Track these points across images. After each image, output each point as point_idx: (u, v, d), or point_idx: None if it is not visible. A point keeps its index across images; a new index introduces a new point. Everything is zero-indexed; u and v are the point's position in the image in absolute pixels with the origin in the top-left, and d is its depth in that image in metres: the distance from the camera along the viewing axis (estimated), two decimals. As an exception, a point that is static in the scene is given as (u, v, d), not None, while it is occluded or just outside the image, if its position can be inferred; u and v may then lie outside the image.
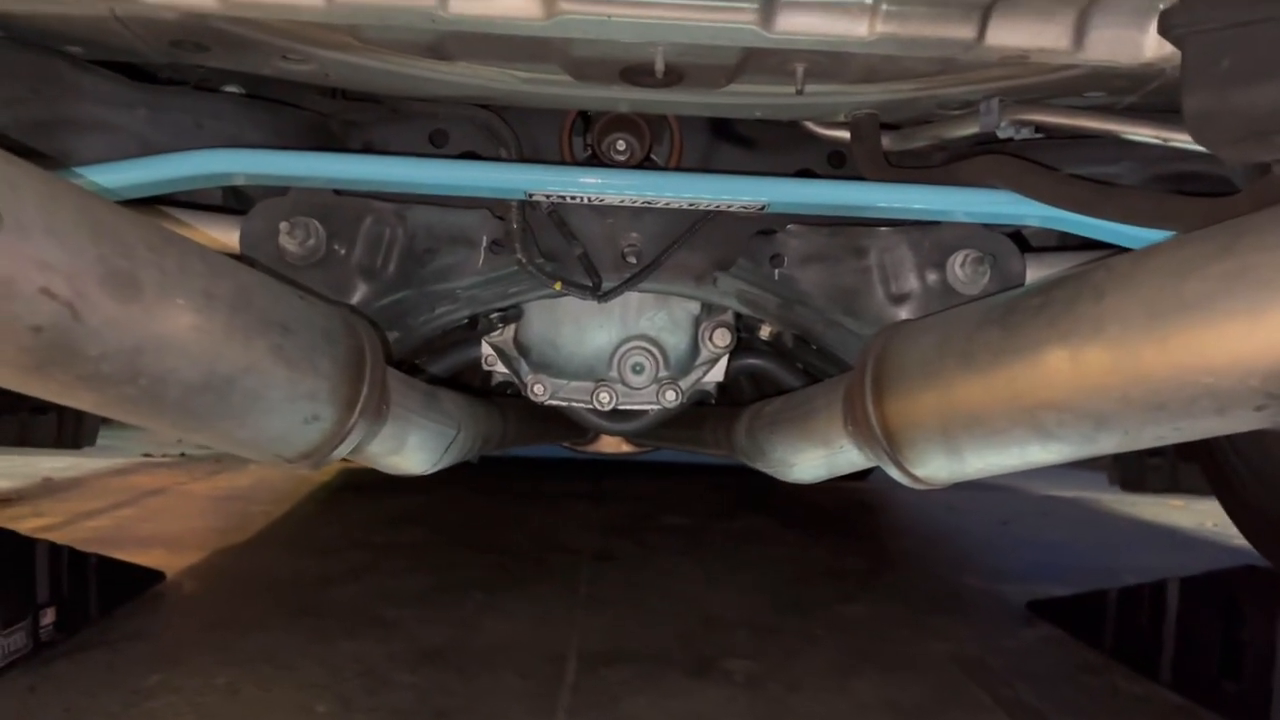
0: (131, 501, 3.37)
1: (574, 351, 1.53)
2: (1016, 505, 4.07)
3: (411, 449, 1.21)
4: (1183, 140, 1.11)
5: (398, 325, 1.34)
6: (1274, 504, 1.90)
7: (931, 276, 1.33)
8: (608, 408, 1.57)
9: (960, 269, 1.31)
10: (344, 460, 1.14)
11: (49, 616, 1.89)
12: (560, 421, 1.95)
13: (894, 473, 1.10)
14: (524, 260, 1.34)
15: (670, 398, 1.56)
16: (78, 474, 3.82)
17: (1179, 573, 1.99)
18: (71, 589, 1.95)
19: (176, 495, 3.53)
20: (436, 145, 1.40)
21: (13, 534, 1.85)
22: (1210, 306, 0.77)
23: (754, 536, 3.22)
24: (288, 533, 3.08)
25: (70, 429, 2.00)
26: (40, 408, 1.90)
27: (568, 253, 1.37)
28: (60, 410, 2.04)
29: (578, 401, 1.58)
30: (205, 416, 0.91)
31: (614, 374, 1.53)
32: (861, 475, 4.37)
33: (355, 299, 1.29)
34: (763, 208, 1.24)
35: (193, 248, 0.91)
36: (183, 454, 4.54)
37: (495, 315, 1.46)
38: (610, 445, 3.03)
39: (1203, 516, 3.80)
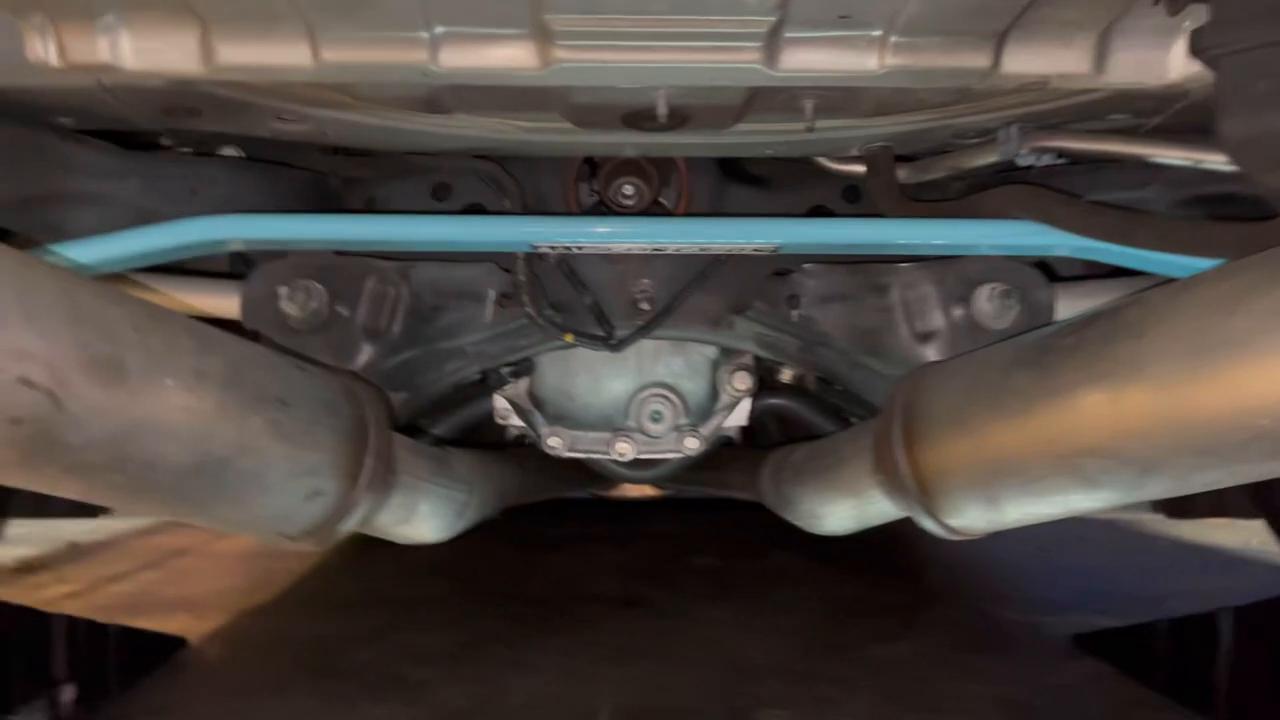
0: (156, 563, 3.34)
1: (590, 402, 1.48)
2: (1053, 531, 3.97)
3: (423, 517, 1.17)
4: (1215, 161, 1.06)
5: (406, 386, 1.31)
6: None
7: (957, 312, 1.28)
8: (627, 459, 1.52)
9: (986, 303, 1.26)
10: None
11: (68, 693, 1.85)
12: (580, 471, 1.91)
13: (927, 524, 1.05)
14: (533, 313, 1.31)
15: (691, 445, 1.51)
16: (105, 536, 3.79)
17: (1230, 599, 1.91)
18: (91, 663, 1.91)
19: (200, 555, 3.50)
20: (439, 199, 1.37)
21: (29, 610, 1.82)
22: (1261, 343, 0.71)
23: (785, 575, 3.14)
24: (309, 591, 3.04)
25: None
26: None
27: (578, 302, 1.33)
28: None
29: (596, 453, 1.53)
30: (200, 500, 0.87)
31: (632, 423, 1.48)
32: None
33: (361, 362, 1.26)
34: (776, 250, 1.20)
35: (181, 323, 0.87)
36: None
37: (507, 369, 1.42)
38: (633, 487, 2.98)
39: (1247, 534, 3.68)
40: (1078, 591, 2.95)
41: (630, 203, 1.30)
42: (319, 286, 1.25)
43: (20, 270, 0.77)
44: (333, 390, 0.98)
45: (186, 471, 0.84)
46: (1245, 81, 0.81)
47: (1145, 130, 1.13)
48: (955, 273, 1.29)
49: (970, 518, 1.00)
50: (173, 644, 2.30)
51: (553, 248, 1.19)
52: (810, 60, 0.95)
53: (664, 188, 1.36)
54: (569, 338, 1.33)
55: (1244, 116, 0.82)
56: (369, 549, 3.63)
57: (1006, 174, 1.29)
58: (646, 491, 3.13)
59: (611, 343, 1.35)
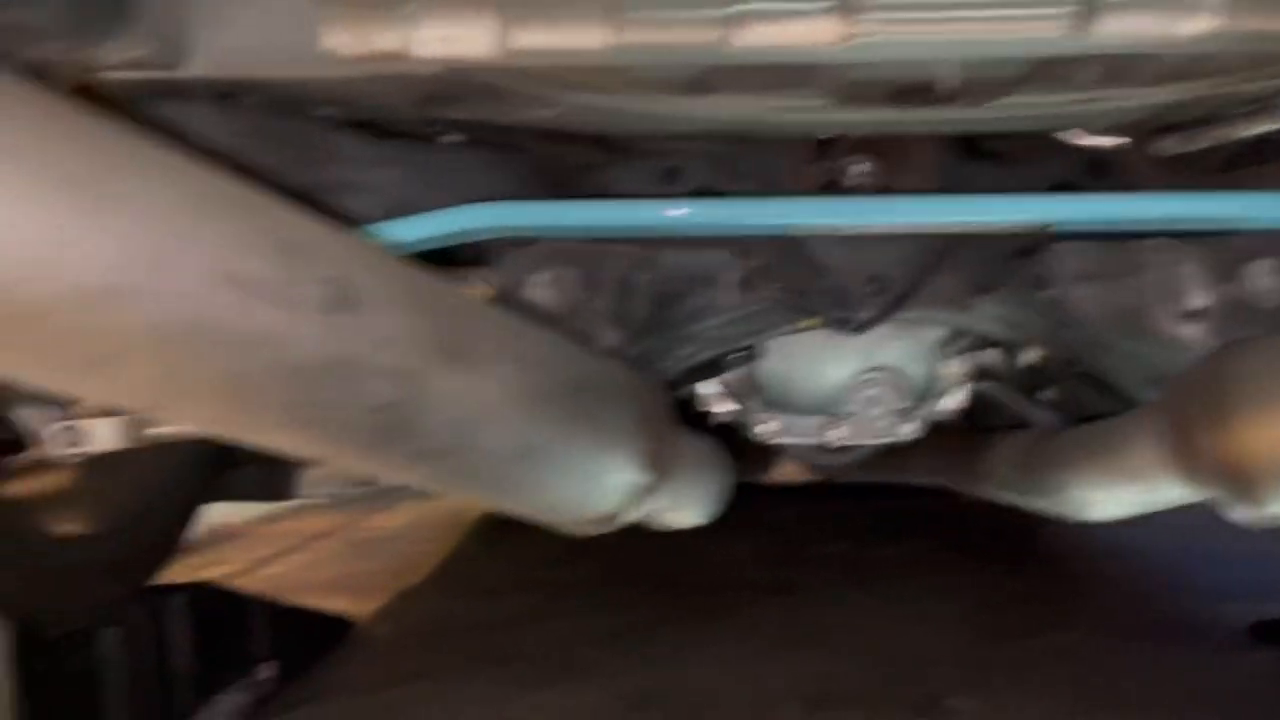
0: (300, 547, 3.42)
1: (809, 387, 1.46)
2: (1199, 517, 3.84)
3: (693, 503, 1.16)
4: None
5: (646, 373, 1.29)
6: None
7: (1224, 290, 1.23)
8: (837, 444, 1.50)
9: (1259, 280, 1.21)
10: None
11: (267, 671, 1.89)
12: (760, 457, 1.88)
13: (1238, 512, 1.00)
14: (776, 296, 1.28)
15: (906, 430, 1.48)
16: (236, 520, 3.89)
17: None
18: (283, 642, 1.96)
19: (340, 539, 3.57)
20: (669, 183, 1.36)
21: (231, 591, 1.87)
22: None
23: (924, 563, 3.09)
24: (457, 575, 3.08)
25: (276, 479, 2.03)
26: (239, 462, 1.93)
27: (816, 285, 1.30)
28: (262, 462, 2.06)
29: (806, 438, 1.51)
30: (514, 485, 0.87)
31: (850, 408, 1.45)
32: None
33: (605, 349, 1.25)
34: (1044, 228, 1.16)
35: (495, 311, 0.87)
36: (332, 495, 4.61)
37: (736, 355, 1.40)
38: (777, 474, 2.94)
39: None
40: (1241, 580, 2.84)
41: (865, 182, 1.28)
42: (570, 273, 1.24)
43: (371, 257, 0.77)
44: (627, 378, 0.98)
45: (509, 457, 0.84)
46: None
47: None
48: (1221, 248, 1.23)
49: (1289, 505, 0.96)
50: (343, 625, 2.35)
51: (797, 228, 1.17)
52: (1125, 27, 0.90)
53: (898, 166, 1.32)
54: (813, 321, 1.30)
55: None
56: (504, 532, 3.67)
57: (1263, 144, 1.23)
58: (789, 477, 3.09)
59: (854, 326, 1.32)
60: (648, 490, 0.98)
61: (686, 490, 1.14)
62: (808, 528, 3.53)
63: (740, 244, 1.28)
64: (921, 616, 2.45)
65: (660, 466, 0.99)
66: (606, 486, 0.93)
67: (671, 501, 1.11)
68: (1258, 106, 1.14)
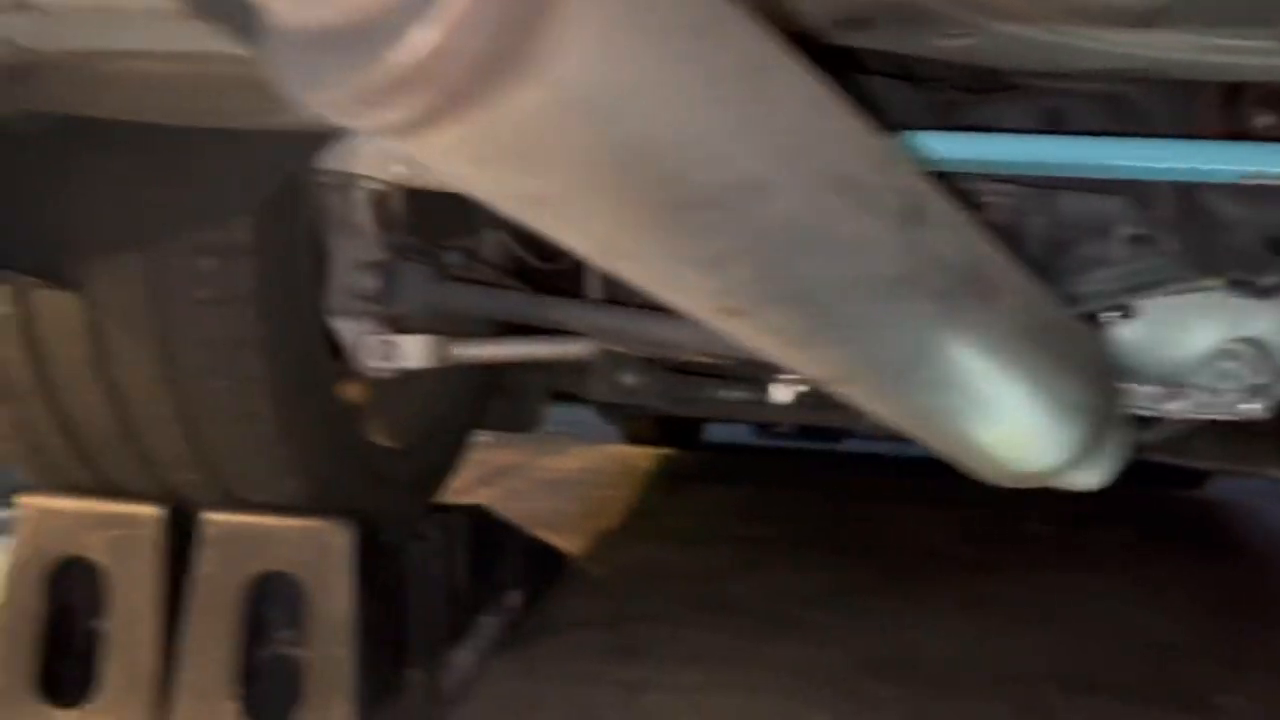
0: (489, 481, 3.46)
1: (1169, 354, 1.36)
2: None
3: (1105, 459, 1.10)
4: None
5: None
6: None
7: None
8: (1178, 415, 1.40)
9: None
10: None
11: (516, 598, 1.91)
12: None
13: None
14: (1177, 252, 1.20)
15: (1254, 408, 1.38)
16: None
17: None
18: (528, 571, 1.98)
19: (522, 476, 3.62)
20: (1051, 123, 1.28)
21: (497, 517, 1.88)
22: None
23: (1129, 550, 2.97)
24: (647, 520, 3.08)
25: (523, 411, 2.06)
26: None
27: (1220, 242, 1.22)
28: (512, 393, 2.08)
29: (1160, 409, 1.41)
30: (984, 419, 0.83)
31: (1201, 379, 1.36)
32: (1191, 483, 3.96)
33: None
34: None
35: (995, 243, 0.81)
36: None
37: (1114, 313, 1.32)
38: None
39: None
40: None
41: (1272, 135, 1.18)
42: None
43: (919, 173, 0.72)
44: (1082, 323, 0.92)
45: (993, 394, 0.79)
46: None
47: None
48: None
49: None
50: (562, 559, 2.36)
51: (1215, 177, 1.08)
52: None
53: None
54: (1216, 281, 1.22)
55: None
56: (684, 483, 3.66)
57: None
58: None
59: (1256, 290, 1.23)
60: (1102, 440, 0.92)
61: (1112, 449, 1.08)
62: (1010, 507, 3.42)
63: (1139, 192, 1.19)
64: (1163, 607, 2.35)
65: (1107, 426, 0.93)
66: (1058, 440, 0.88)
67: (1097, 460, 1.05)
68: None
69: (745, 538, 2.84)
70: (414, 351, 1.48)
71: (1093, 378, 0.92)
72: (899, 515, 3.23)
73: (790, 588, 2.37)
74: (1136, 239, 1.22)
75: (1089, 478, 1.14)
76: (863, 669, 1.89)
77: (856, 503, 3.37)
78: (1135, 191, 1.21)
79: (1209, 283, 1.22)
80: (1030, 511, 3.39)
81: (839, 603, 2.27)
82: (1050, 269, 1.21)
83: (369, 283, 1.44)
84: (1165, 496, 3.72)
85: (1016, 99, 1.25)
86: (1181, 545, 2.98)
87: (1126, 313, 1.30)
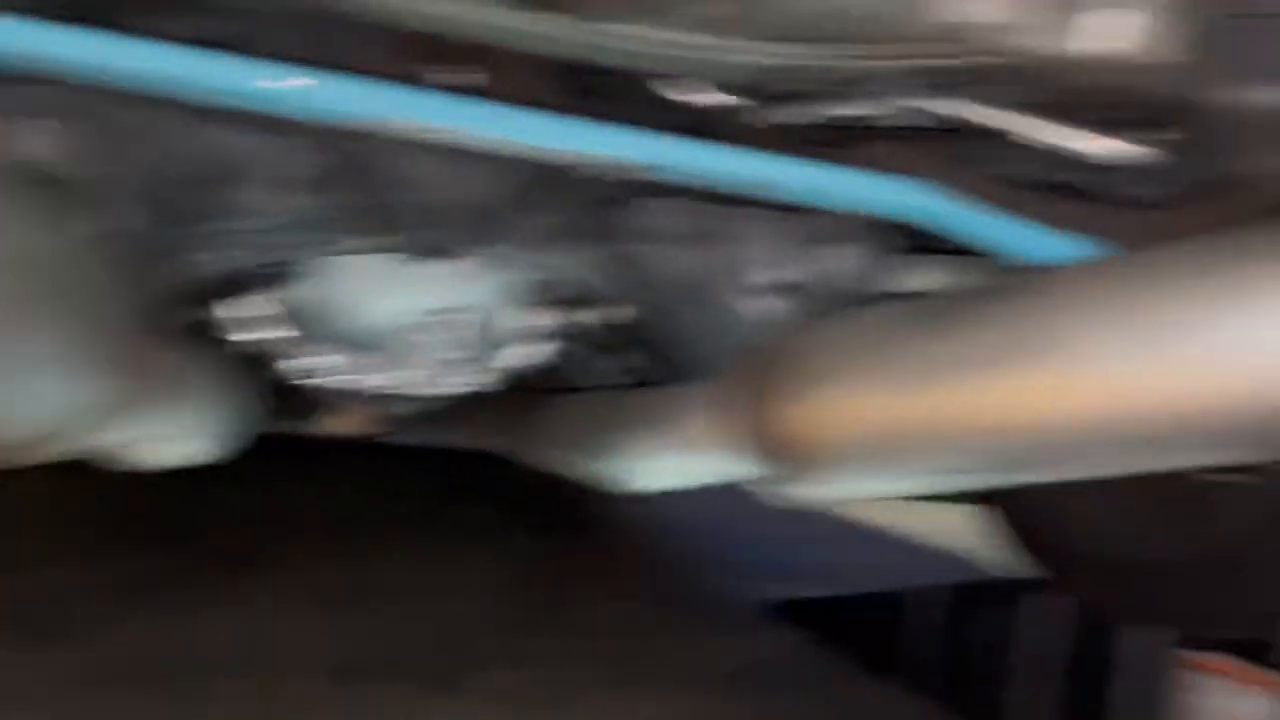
0: None
1: (355, 322, 1.24)
2: (722, 495, 4.03)
3: (186, 433, 0.91)
4: (1083, 147, 1.04)
5: (161, 271, 1.00)
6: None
7: (804, 268, 1.19)
8: (391, 390, 1.30)
9: (838, 262, 1.18)
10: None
11: None
12: (304, 403, 1.63)
13: (781, 489, 0.96)
14: (349, 205, 1.05)
15: (465, 382, 1.32)
16: None
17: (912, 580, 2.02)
18: None
19: None
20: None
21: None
22: (1207, 327, 0.68)
23: (480, 531, 3.00)
24: None
25: None
26: None
27: (397, 198, 1.09)
28: None
29: (351, 381, 1.30)
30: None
31: (398, 350, 1.26)
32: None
33: (120, 228, 0.94)
34: (644, 169, 1.04)
35: None
36: None
37: (274, 270, 1.14)
38: (346, 426, 2.66)
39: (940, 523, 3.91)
40: (759, 560, 2.99)
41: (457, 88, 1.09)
42: (84, 128, 0.91)
43: None
44: (105, 269, 0.72)
45: None
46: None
47: (1031, 105, 1.08)
48: (806, 226, 1.19)
49: (832, 486, 0.92)
50: None
51: (396, 132, 0.94)
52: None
53: (497, 82, 1.14)
54: (391, 240, 1.08)
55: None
56: None
57: (859, 128, 1.20)
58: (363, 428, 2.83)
59: (429, 252, 1.13)
60: (105, 411, 0.73)
61: (173, 418, 0.90)
62: (362, 489, 3.28)
63: (315, 133, 1.03)
64: (465, 584, 2.35)
65: (132, 382, 0.75)
66: (43, 395, 0.67)
67: (151, 430, 0.87)
68: (851, 88, 1.11)
69: (45, 525, 2.41)
70: None
71: (110, 325, 0.73)
72: (238, 499, 2.92)
73: (82, 583, 2.02)
74: (312, 186, 1.07)
75: (172, 451, 0.97)
76: (107, 672, 1.62)
77: (192, 483, 3.01)
78: (311, 132, 1.04)
79: (391, 244, 1.11)
80: (388, 493, 3.29)
81: (124, 596, 1.97)
82: (199, 210, 1.03)
83: None
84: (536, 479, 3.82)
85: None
86: (521, 527, 3.03)
87: (290, 272, 1.16)
